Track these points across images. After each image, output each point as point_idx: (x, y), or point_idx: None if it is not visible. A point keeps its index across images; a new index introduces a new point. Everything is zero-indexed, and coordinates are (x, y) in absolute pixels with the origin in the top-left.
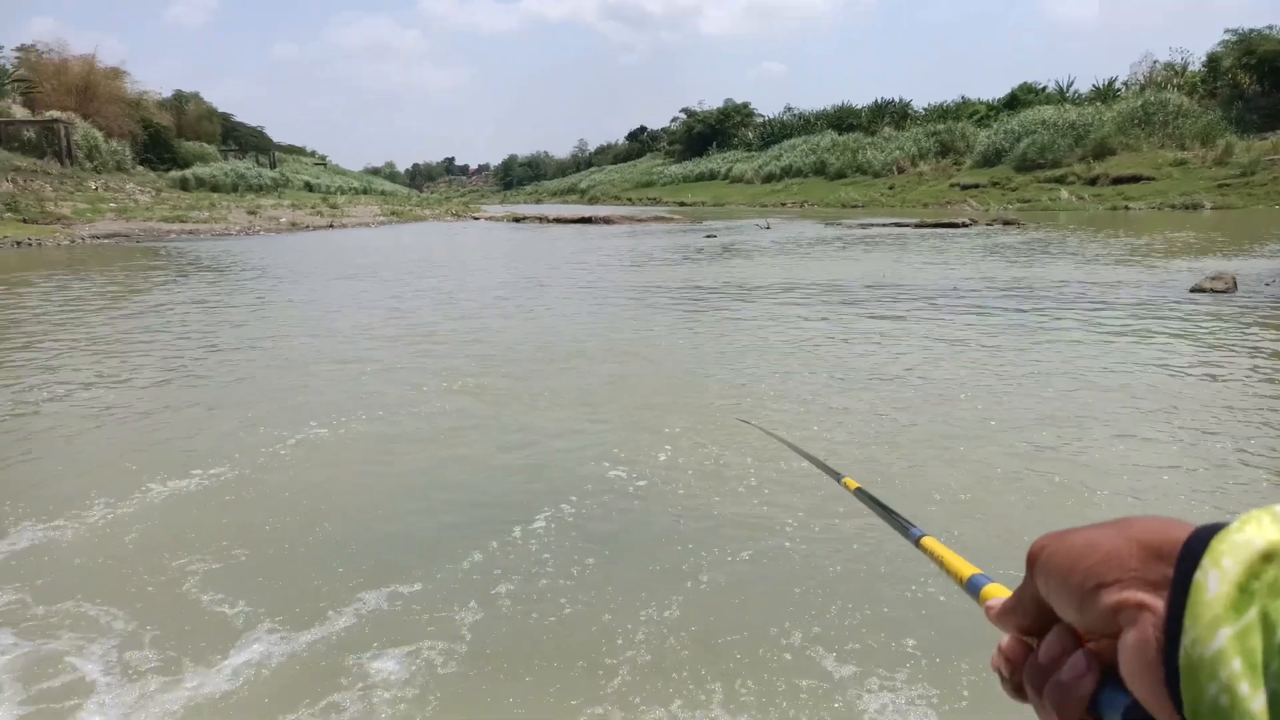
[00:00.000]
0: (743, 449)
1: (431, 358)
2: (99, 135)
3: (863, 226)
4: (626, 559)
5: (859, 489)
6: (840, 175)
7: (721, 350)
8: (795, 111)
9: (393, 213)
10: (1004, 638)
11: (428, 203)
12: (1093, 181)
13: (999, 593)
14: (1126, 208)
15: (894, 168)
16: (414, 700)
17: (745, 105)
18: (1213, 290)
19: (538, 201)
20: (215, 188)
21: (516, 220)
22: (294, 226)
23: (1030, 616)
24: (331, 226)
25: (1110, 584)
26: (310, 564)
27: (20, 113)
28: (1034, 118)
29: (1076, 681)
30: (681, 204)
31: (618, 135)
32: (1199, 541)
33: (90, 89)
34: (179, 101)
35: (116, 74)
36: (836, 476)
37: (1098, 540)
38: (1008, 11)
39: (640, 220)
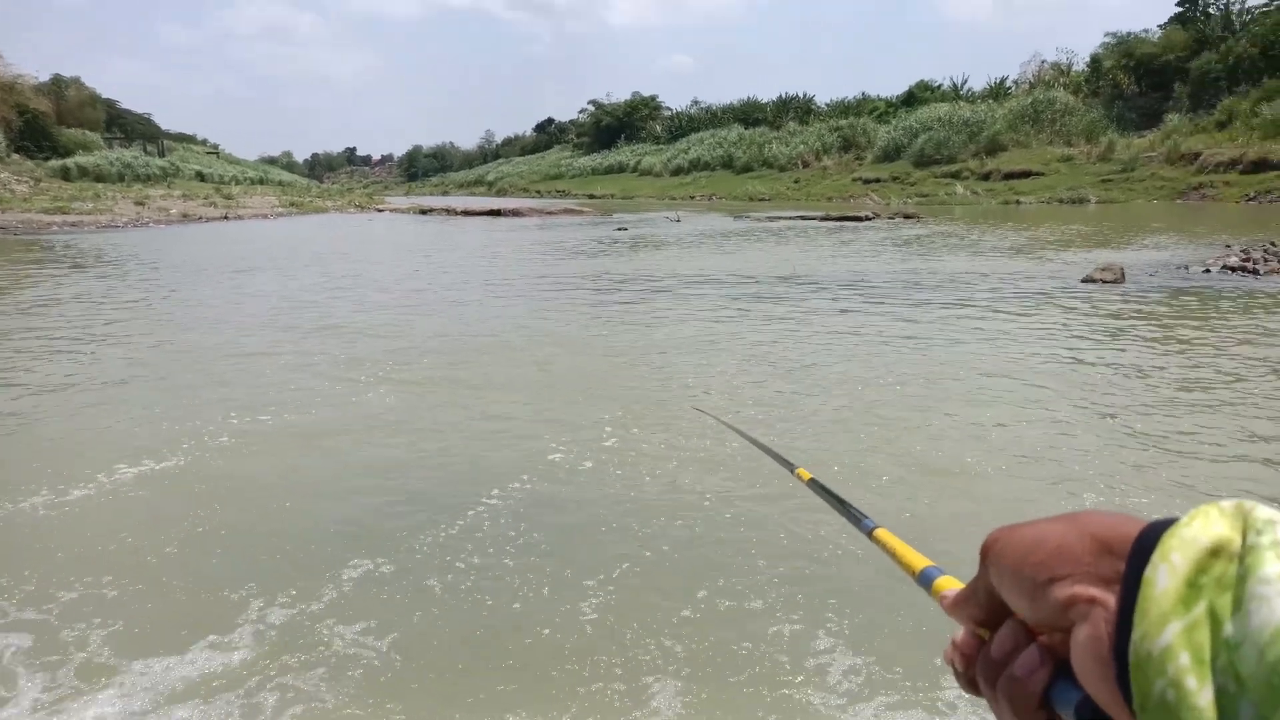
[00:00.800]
0: (674, 431)
1: (350, 350)
2: None
3: (770, 219)
4: (567, 540)
5: (812, 480)
6: (747, 169)
7: (643, 339)
8: (703, 105)
9: (292, 204)
10: (958, 631)
11: (329, 194)
12: (986, 176)
13: (951, 585)
14: (1018, 201)
15: (799, 162)
16: (354, 691)
17: (653, 98)
18: (1102, 280)
19: (444, 193)
20: (100, 178)
21: (423, 212)
22: (185, 218)
23: (983, 609)
24: (226, 218)
25: (1062, 578)
26: (234, 561)
27: None
28: (930, 115)
29: (1029, 676)
30: (591, 196)
31: (525, 127)
32: (1150, 537)
33: None
34: (58, 86)
35: None
36: (790, 467)
37: (1049, 534)
38: (905, 11)
39: (550, 213)
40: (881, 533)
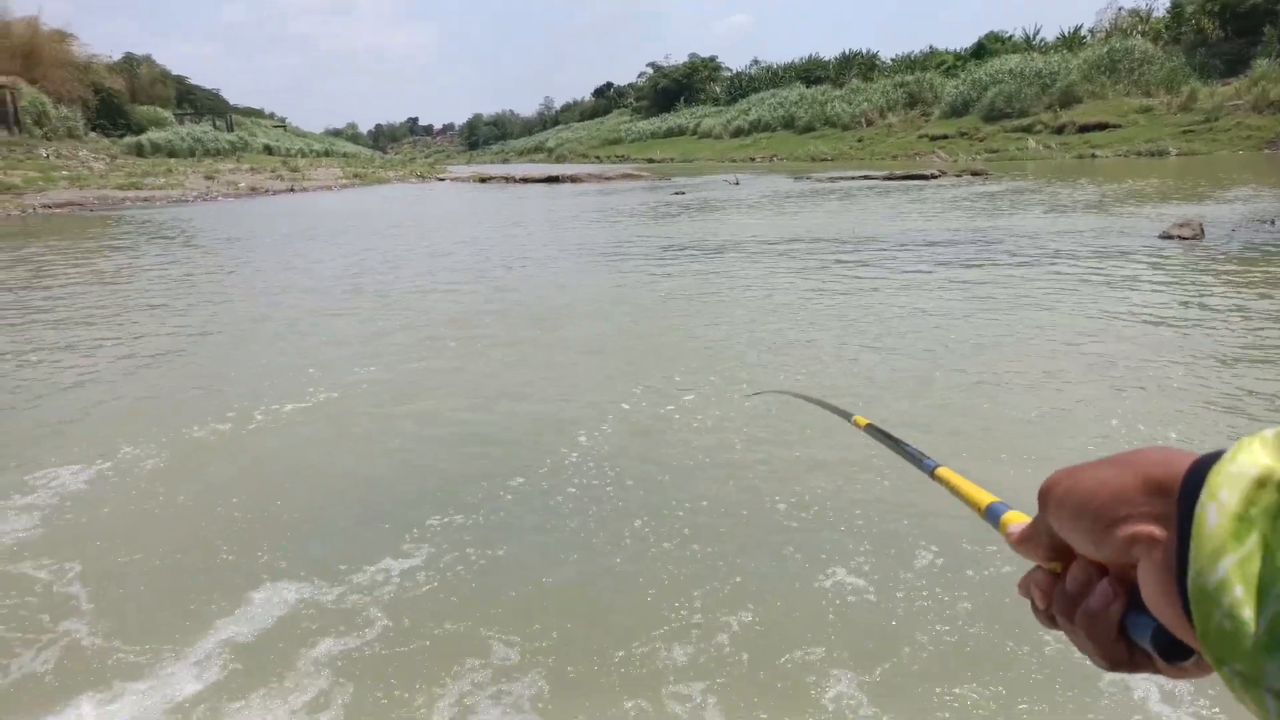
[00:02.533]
0: (744, 403)
1: (419, 314)
2: (47, 101)
3: (832, 180)
4: (639, 506)
5: (869, 425)
6: (809, 129)
7: (702, 306)
8: (763, 65)
9: (356, 175)
10: (1032, 566)
11: (392, 164)
12: (1059, 130)
13: (1018, 520)
14: (1093, 156)
15: (862, 120)
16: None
17: (712, 59)
18: (1180, 237)
19: (504, 161)
20: (172, 153)
21: (483, 180)
22: (254, 191)
23: (1049, 548)
24: (293, 190)
25: (1121, 519)
26: (328, 516)
27: None
28: (1000, 67)
29: (1104, 609)
30: (650, 160)
31: (584, 92)
32: (1197, 475)
33: (35, 53)
34: (130, 65)
35: (62, 36)
36: (846, 416)
37: (1105, 478)
38: None
39: (608, 178)
40: (943, 471)
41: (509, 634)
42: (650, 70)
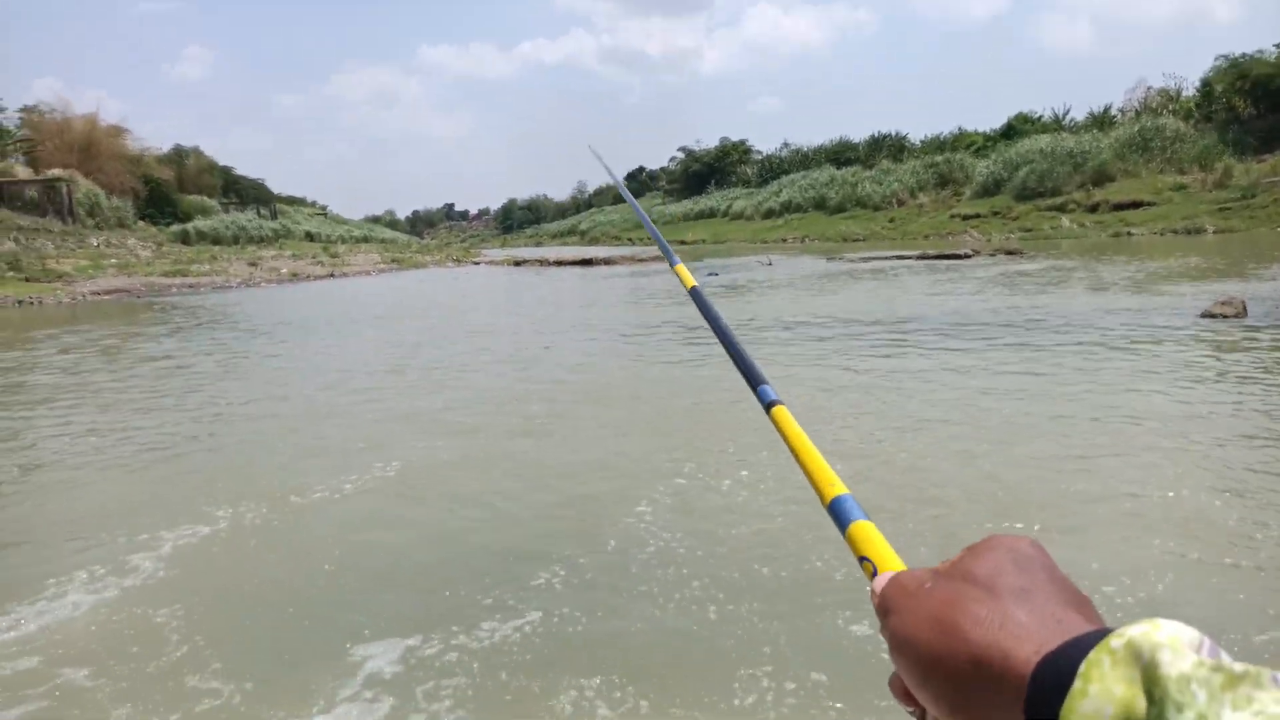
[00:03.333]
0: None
1: (455, 393)
2: (100, 193)
3: (865, 260)
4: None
5: (694, 288)
6: (840, 209)
7: (738, 383)
8: (793, 147)
9: (393, 260)
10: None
11: (428, 249)
12: (1093, 209)
13: (875, 550)
14: (1129, 233)
15: (893, 200)
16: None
17: (743, 142)
18: (1223, 315)
19: (538, 244)
20: (216, 240)
21: (517, 264)
22: (294, 277)
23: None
24: (332, 276)
25: (959, 706)
26: (391, 586)
27: (23, 172)
28: (1031, 147)
29: None
30: (682, 242)
31: (617, 176)
32: (1042, 700)
33: (92, 147)
34: (179, 156)
35: (118, 131)
36: (673, 262)
37: (938, 653)
38: (1001, 42)
39: (641, 260)
40: (779, 411)
41: (591, 682)
42: (681, 154)
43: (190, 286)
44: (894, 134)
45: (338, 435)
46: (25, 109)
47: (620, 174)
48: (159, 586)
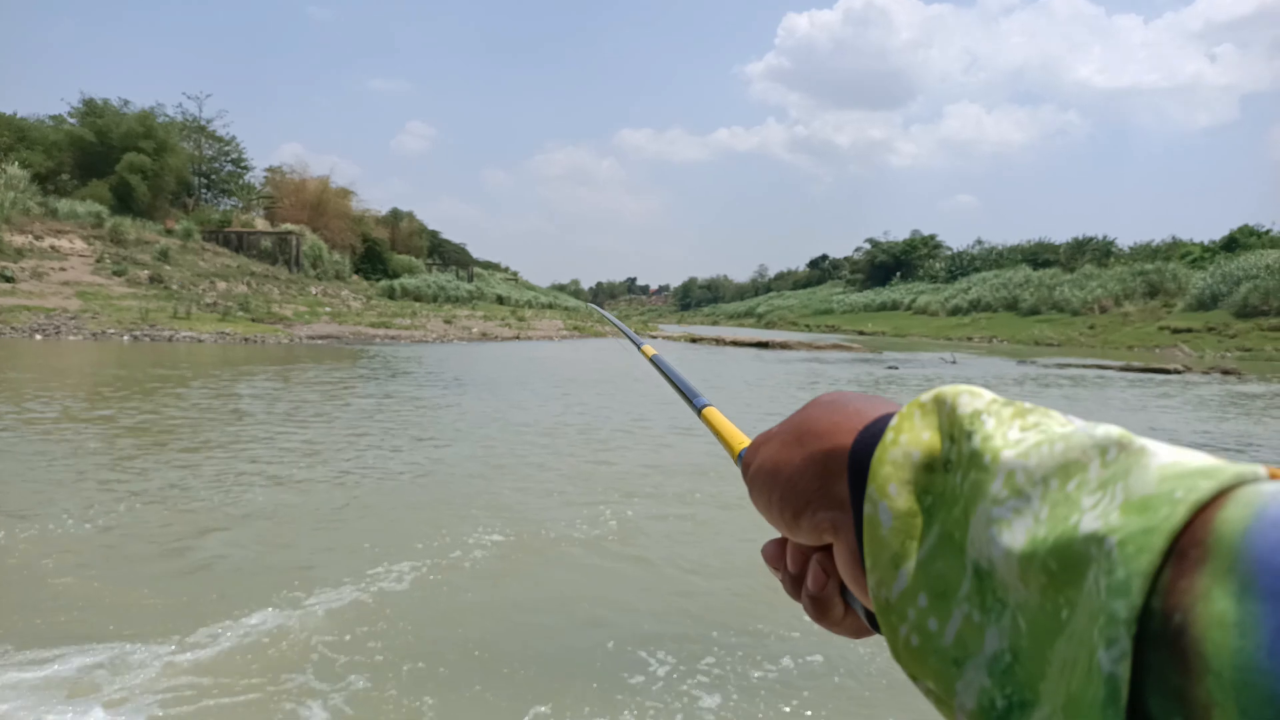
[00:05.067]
0: None
1: (650, 463)
2: (324, 247)
3: (1060, 366)
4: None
5: (655, 355)
6: (1034, 311)
7: None
8: (986, 245)
9: (575, 328)
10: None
11: (608, 320)
12: None
13: None
14: None
15: (1095, 307)
16: None
17: (932, 237)
18: None
19: (714, 323)
20: (418, 297)
21: (693, 340)
22: (484, 336)
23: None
24: (518, 338)
25: (801, 509)
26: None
27: (261, 224)
28: (1256, 262)
29: (820, 591)
30: (860, 333)
31: (799, 262)
32: (863, 458)
33: (321, 205)
34: (395, 218)
35: (345, 193)
36: (637, 344)
37: (780, 459)
38: (1225, 151)
39: (819, 347)
40: (710, 411)
41: None
42: (868, 245)
43: (392, 337)
44: (1100, 238)
45: (518, 491)
46: (270, 169)
47: (803, 259)
48: (359, 613)
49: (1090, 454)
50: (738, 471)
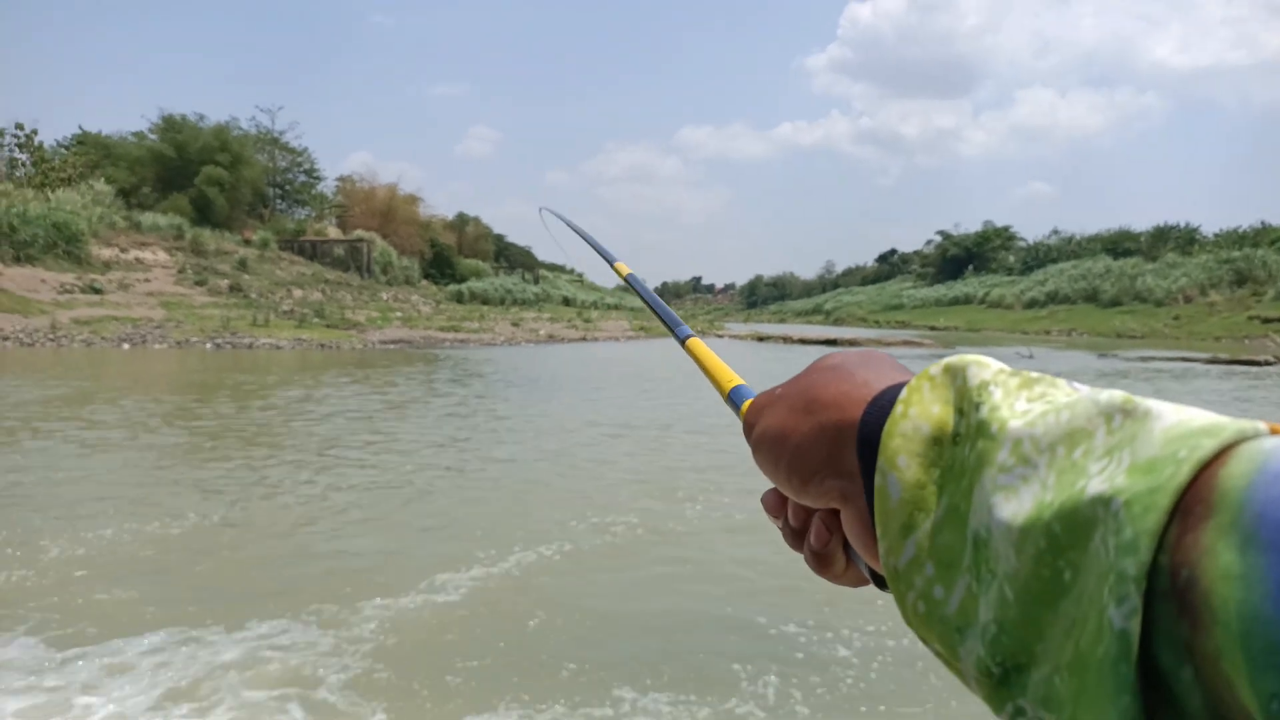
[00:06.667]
0: None
1: (688, 459)
2: (393, 253)
3: (1143, 360)
4: None
5: (630, 275)
6: (1115, 303)
7: None
8: (1063, 235)
9: (640, 328)
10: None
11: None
12: None
13: None
14: None
15: (1179, 297)
16: None
17: (1006, 229)
18: None
19: (781, 321)
20: (485, 301)
21: (760, 339)
22: (551, 338)
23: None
24: (585, 339)
25: (810, 477)
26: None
27: (334, 232)
28: None
29: (824, 547)
30: (932, 328)
31: (867, 257)
32: (872, 430)
33: (390, 212)
34: (461, 223)
35: (413, 200)
36: (610, 260)
37: (788, 428)
38: None
39: (889, 344)
40: (694, 342)
41: None
42: (939, 238)
43: (461, 341)
44: (1183, 225)
45: (568, 490)
46: (341, 178)
47: (871, 254)
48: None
49: (1096, 421)
50: None
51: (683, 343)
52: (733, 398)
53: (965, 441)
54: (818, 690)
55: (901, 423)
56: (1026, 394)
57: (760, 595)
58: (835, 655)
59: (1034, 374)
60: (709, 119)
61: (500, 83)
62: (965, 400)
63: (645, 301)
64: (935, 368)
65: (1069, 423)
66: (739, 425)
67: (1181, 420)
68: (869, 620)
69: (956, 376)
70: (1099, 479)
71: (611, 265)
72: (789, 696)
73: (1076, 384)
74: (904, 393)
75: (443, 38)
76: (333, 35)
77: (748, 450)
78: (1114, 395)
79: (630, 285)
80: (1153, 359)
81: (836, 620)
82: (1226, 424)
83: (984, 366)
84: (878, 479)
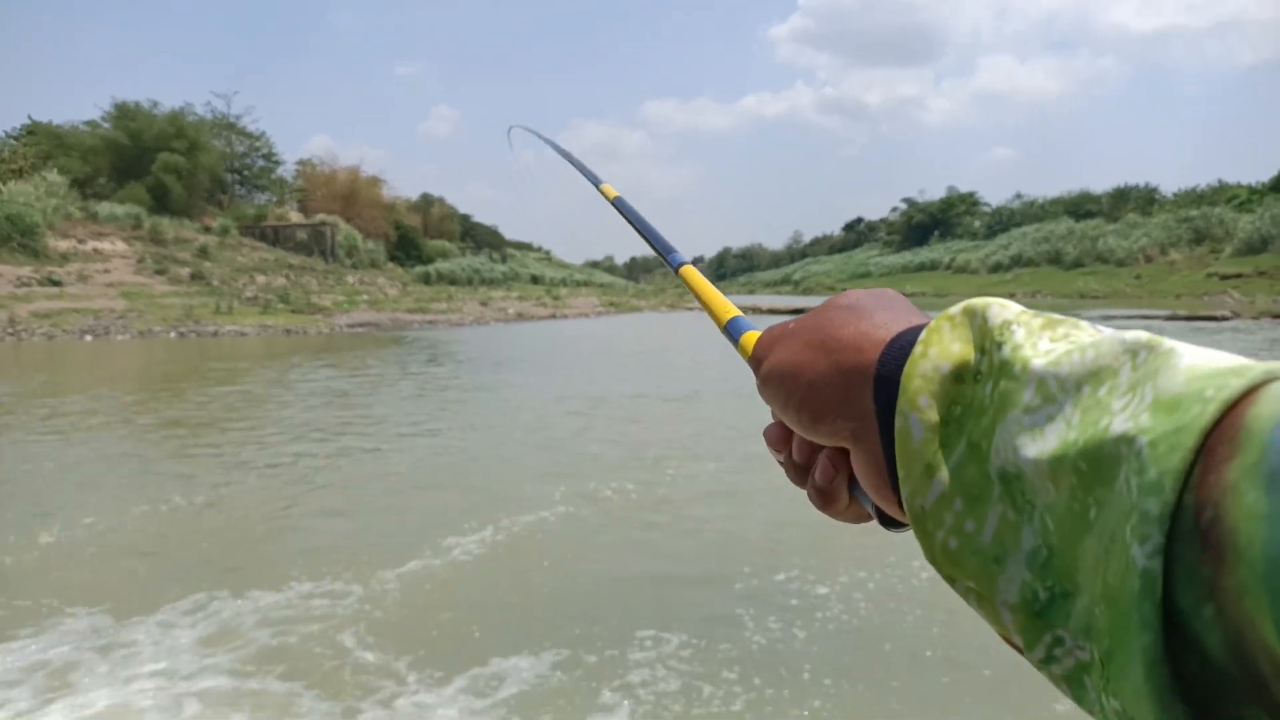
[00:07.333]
0: None
1: (694, 432)
2: (358, 236)
3: (1105, 319)
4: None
5: (618, 198)
6: (1077, 264)
7: None
8: (1026, 199)
9: (610, 304)
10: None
11: (644, 294)
12: None
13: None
14: None
15: (1140, 256)
16: None
17: (970, 194)
18: None
19: (750, 292)
20: (453, 281)
21: None
22: (520, 316)
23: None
24: (554, 316)
25: (823, 415)
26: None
27: (295, 217)
28: None
29: (828, 484)
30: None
31: (833, 227)
32: (891, 368)
33: (353, 195)
34: (425, 204)
35: (376, 182)
36: (595, 182)
37: (801, 362)
38: (1270, 89)
39: None
40: (688, 270)
41: None
42: (904, 205)
43: (429, 322)
44: (1142, 185)
45: (545, 463)
46: (301, 162)
47: (837, 224)
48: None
49: (1121, 359)
50: None
51: (676, 270)
52: (729, 329)
53: (987, 380)
54: (814, 625)
55: (921, 363)
56: (1050, 334)
57: (752, 554)
58: (817, 593)
59: (1057, 315)
60: (674, 92)
61: (460, 61)
62: (987, 339)
63: (635, 228)
64: (955, 309)
65: (1094, 361)
66: (714, 398)
67: (1207, 359)
68: (854, 567)
69: (977, 316)
70: (1122, 416)
71: (597, 187)
72: (791, 636)
73: (1100, 326)
74: (924, 334)
75: (403, 15)
76: (289, 17)
77: (726, 418)
78: (1139, 334)
79: (619, 209)
80: (1114, 318)
81: (821, 568)
82: (1253, 365)
83: (1005, 307)
84: (899, 421)
